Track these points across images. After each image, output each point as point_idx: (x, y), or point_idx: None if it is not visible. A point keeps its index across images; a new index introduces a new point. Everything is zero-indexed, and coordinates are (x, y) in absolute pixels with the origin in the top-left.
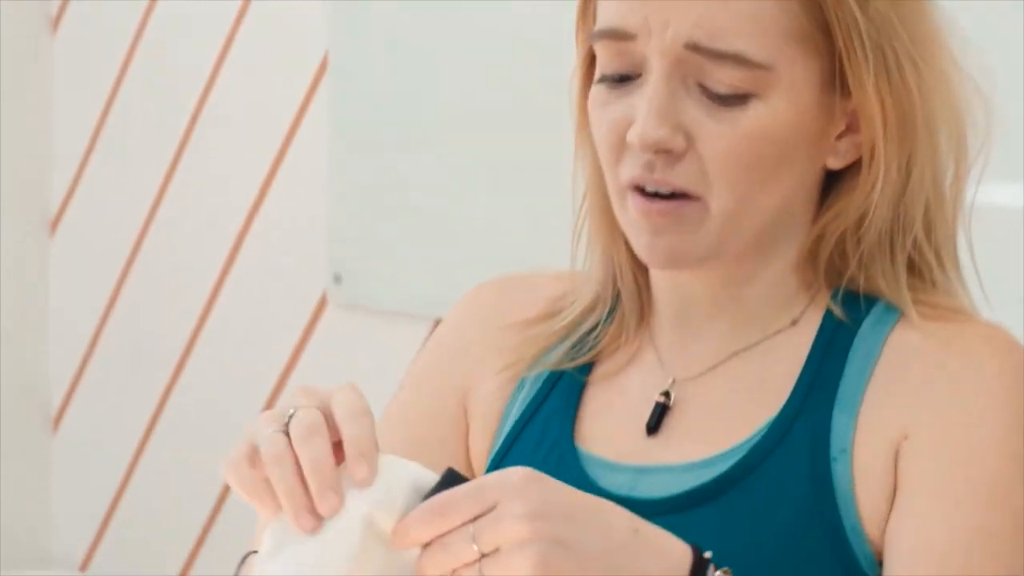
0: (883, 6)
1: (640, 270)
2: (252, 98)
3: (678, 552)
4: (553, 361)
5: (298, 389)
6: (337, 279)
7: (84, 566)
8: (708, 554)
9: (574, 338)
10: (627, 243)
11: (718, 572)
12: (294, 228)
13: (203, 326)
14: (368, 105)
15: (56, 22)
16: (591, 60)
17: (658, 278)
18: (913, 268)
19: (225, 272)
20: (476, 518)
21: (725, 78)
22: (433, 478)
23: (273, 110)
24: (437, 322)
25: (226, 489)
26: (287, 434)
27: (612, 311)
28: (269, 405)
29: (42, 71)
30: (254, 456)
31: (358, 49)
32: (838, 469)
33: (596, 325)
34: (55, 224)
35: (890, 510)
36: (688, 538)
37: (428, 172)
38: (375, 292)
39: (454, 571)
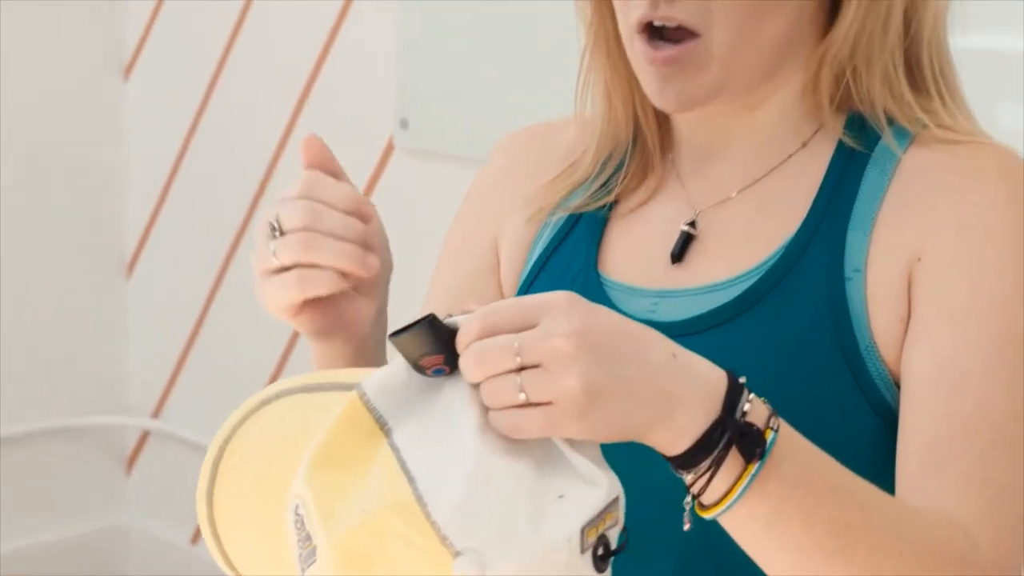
0: None
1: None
2: None
3: (714, 377)
4: (574, 205)
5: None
6: (403, 124)
7: (156, 413)
8: (742, 379)
9: (598, 183)
10: None
11: (752, 396)
12: (362, 74)
13: (272, 173)
14: None
15: None
16: None
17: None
18: (921, 92)
19: (294, 119)
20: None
21: None
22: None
23: None
24: None
25: (294, 337)
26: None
27: (631, 151)
28: None
29: None
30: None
31: None
32: (852, 288)
33: (617, 169)
34: (129, 70)
35: (904, 332)
36: (707, 358)
37: (494, 17)
38: (440, 136)
39: (492, 378)
